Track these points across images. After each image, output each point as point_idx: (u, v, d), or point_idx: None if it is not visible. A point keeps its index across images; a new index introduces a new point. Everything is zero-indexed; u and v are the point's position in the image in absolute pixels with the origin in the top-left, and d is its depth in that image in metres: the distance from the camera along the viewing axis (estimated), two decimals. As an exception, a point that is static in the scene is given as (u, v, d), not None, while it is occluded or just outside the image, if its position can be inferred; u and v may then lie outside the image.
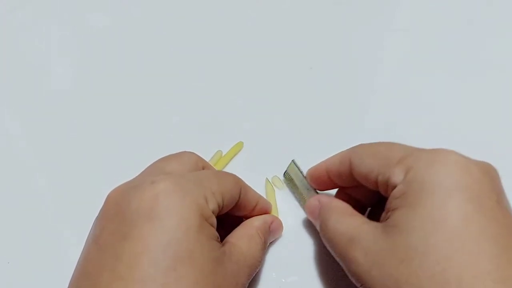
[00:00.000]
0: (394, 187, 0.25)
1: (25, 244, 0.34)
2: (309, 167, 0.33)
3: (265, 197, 0.34)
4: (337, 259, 0.27)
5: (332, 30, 0.46)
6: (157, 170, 0.28)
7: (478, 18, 0.46)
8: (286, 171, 0.35)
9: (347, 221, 0.27)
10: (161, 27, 0.46)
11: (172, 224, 0.24)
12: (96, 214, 0.27)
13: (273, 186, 0.35)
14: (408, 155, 0.26)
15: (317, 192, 0.33)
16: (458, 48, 0.44)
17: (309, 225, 0.33)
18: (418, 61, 0.43)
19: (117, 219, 0.25)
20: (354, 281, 0.26)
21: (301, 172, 0.33)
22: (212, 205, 0.26)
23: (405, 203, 0.24)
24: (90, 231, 0.26)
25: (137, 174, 0.30)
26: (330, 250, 0.28)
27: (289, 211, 0.34)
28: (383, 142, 0.29)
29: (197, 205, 0.25)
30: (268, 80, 0.42)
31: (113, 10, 0.48)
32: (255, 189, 0.32)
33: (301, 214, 0.34)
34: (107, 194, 0.27)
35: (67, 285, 0.25)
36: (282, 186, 0.35)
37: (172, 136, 0.39)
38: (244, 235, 0.29)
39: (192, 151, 0.31)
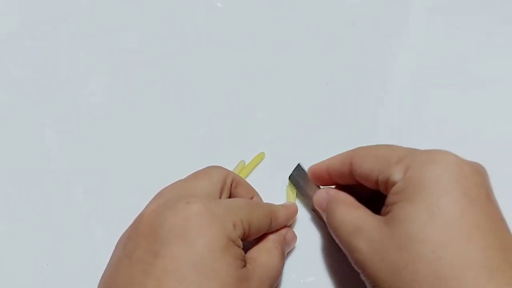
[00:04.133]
0: (394, 184, 0.26)
1: (62, 247, 0.35)
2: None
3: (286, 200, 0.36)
4: (341, 246, 0.29)
5: (347, 49, 0.46)
6: (188, 189, 0.29)
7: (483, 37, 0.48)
8: (291, 174, 0.36)
9: (353, 212, 0.28)
10: (186, 46, 0.47)
11: (201, 244, 0.25)
12: (126, 218, 0.28)
13: (292, 192, 0.36)
14: (406, 154, 0.27)
15: (320, 188, 0.34)
16: (462, 64, 0.45)
17: (326, 228, 0.34)
18: (426, 77, 0.44)
19: (150, 238, 0.25)
20: (356, 268, 0.27)
21: (306, 172, 0.34)
22: (239, 231, 0.27)
23: (404, 197, 0.25)
24: (121, 245, 0.27)
25: (165, 184, 0.31)
26: (335, 238, 0.29)
27: (307, 215, 0.36)
28: (382, 145, 0.30)
29: (224, 228, 0.26)
30: (287, 95, 0.43)
31: (143, 31, 0.49)
32: (276, 195, 0.33)
33: (319, 218, 0.35)
34: (142, 212, 0.27)
35: None
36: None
37: (198, 146, 0.40)
38: (262, 249, 0.30)
39: (219, 165, 0.32)
